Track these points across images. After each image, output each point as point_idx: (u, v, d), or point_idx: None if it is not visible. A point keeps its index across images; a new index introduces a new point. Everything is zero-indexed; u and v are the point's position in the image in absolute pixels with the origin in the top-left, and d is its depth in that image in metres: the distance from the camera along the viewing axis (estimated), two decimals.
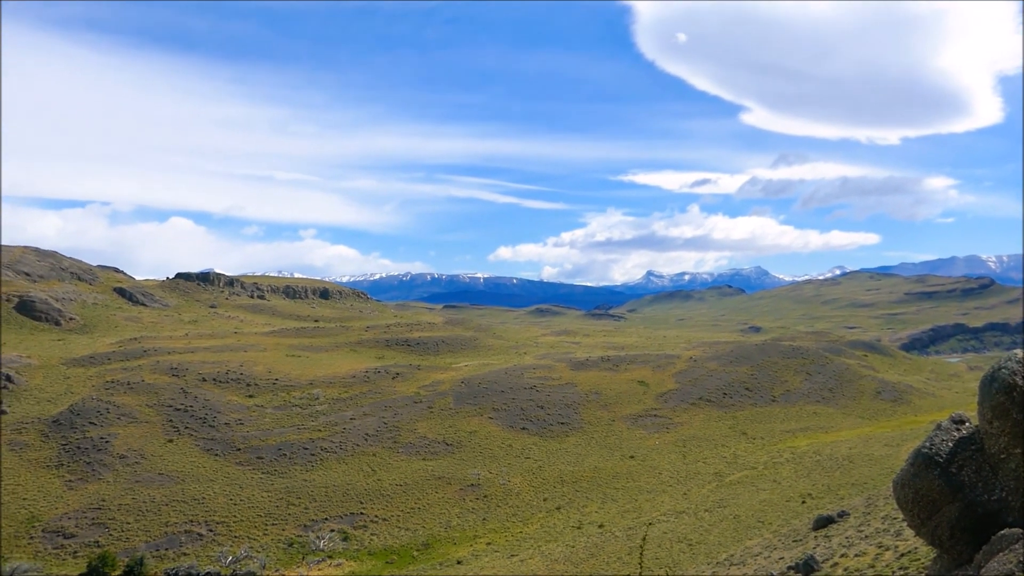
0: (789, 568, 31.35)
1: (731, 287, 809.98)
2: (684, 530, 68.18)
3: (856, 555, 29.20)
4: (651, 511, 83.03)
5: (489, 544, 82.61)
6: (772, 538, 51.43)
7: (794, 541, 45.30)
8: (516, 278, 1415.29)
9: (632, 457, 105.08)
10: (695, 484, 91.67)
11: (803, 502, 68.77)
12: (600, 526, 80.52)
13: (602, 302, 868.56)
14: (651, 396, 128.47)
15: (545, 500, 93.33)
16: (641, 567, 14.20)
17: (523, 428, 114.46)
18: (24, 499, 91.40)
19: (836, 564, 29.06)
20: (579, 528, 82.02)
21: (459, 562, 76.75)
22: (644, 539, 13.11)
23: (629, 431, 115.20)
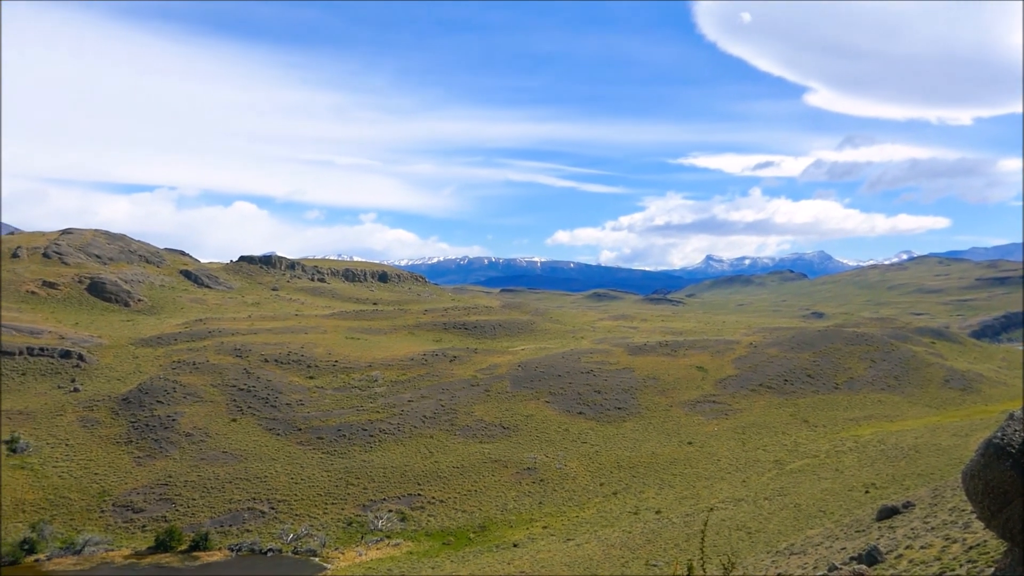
0: (851, 559, 30.64)
1: (793, 272, 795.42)
2: (743, 518, 67.31)
3: (922, 547, 28.34)
4: (709, 498, 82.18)
5: (545, 528, 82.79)
6: (834, 528, 50.41)
7: (857, 531, 44.31)
8: (573, 262, 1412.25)
9: (690, 443, 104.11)
10: (754, 472, 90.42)
11: (866, 492, 67.24)
12: (657, 512, 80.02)
13: (660, 287, 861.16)
14: (710, 382, 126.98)
15: (602, 485, 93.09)
16: (703, 553, 13.94)
17: (580, 412, 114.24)
18: (96, 474, 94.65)
19: (900, 556, 28.25)
20: (636, 514, 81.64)
21: (515, 545, 77.10)
22: (705, 524, 12.86)
23: (687, 417, 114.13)
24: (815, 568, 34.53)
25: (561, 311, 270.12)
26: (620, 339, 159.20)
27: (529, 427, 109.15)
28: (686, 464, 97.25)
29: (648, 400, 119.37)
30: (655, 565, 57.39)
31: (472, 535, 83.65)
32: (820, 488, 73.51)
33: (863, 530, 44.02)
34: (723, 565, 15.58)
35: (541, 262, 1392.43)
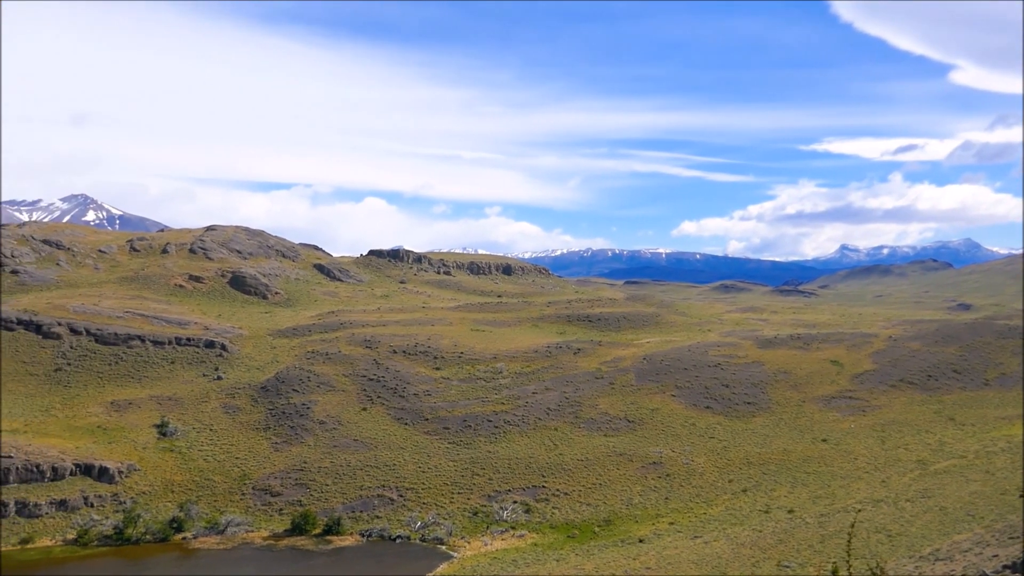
0: (1004, 567, 28.43)
1: (936, 261, 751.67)
2: (883, 520, 63.98)
3: None
4: (845, 498, 78.63)
5: (672, 524, 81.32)
6: (984, 533, 47.10)
7: (1010, 538, 41.29)
8: (700, 253, 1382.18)
9: (824, 440, 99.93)
10: (895, 472, 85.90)
11: (1021, 496, 62.57)
12: (790, 511, 77.20)
13: (791, 278, 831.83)
14: (845, 377, 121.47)
15: (730, 482, 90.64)
16: (849, 555, 13.01)
17: (707, 407, 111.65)
18: (237, 458, 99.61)
19: None
20: (767, 512, 79.05)
21: (641, 540, 76.08)
22: (853, 526, 11.91)
23: (821, 413, 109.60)
24: None
25: (687, 303, 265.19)
26: (749, 332, 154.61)
27: (655, 421, 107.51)
28: (820, 462, 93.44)
29: (779, 395, 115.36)
30: (788, 567, 55.25)
31: (597, 529, 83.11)
32: (968, 491, 69.03)
33: (1017, 536, 41.06)
34: (871, 569, 14.48)
35: (666, 253, 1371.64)
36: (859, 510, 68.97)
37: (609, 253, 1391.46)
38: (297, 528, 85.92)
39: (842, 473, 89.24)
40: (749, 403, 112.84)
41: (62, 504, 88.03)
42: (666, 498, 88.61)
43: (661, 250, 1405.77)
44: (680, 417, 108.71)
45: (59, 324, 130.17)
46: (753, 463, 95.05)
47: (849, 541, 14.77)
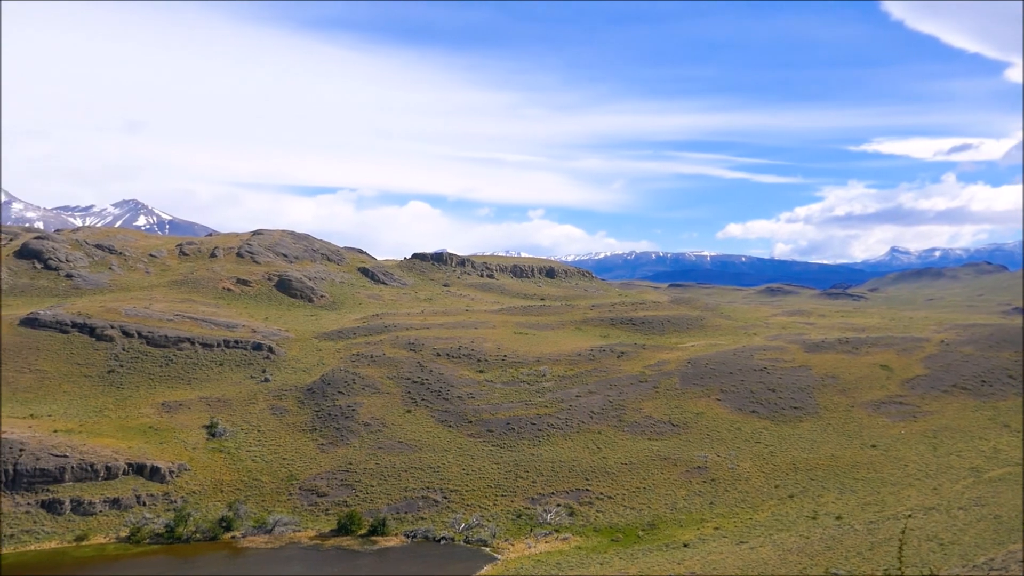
0: None
1: (990, 264, 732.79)
2: (934, 528, 62.66)
3: None
4: (895, 505, 77.22)
5: (717, 529, 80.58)
6: None
7: None
8: (745, 256, 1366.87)
9: (874, 446, 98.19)
10: (947, 479, 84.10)
11: None
12: (838, 518, 76.02)
13: (839, 281, 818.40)
14: (895, 382, 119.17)
15: (777, 487, 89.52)
16: (901, 563, 12.89)
17: (753, 411, 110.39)
18: (284, 459, 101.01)
19: None
20: (814, 519, 77.93)
21: (686, 545, 75.51)
22: (903, 532, 11.80)
23: (870, 418, 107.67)
24: None
25: (732, 306, 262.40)
26: (796, 335, 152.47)
27: (699, 425, 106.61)
28: (869, 468, 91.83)
29: (827, 399, 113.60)
30: (836, 574, 54.38)
31: (641, 533, 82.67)
32: None
33: None
34: None
35: (711, 256, 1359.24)
36: (909, 516, 67.71)
37: (653, 256, 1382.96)
38: (343, 528, 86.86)
39: (892, 480, 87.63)
40: (796, 408, 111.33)
41: (115, 503, 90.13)
42: (711, 503, 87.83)
43: (706, 253, 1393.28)
44: (725, 421, 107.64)
45: (112, 327, 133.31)
46: (800, 468, 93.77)
47: (900, 548, 14.63)
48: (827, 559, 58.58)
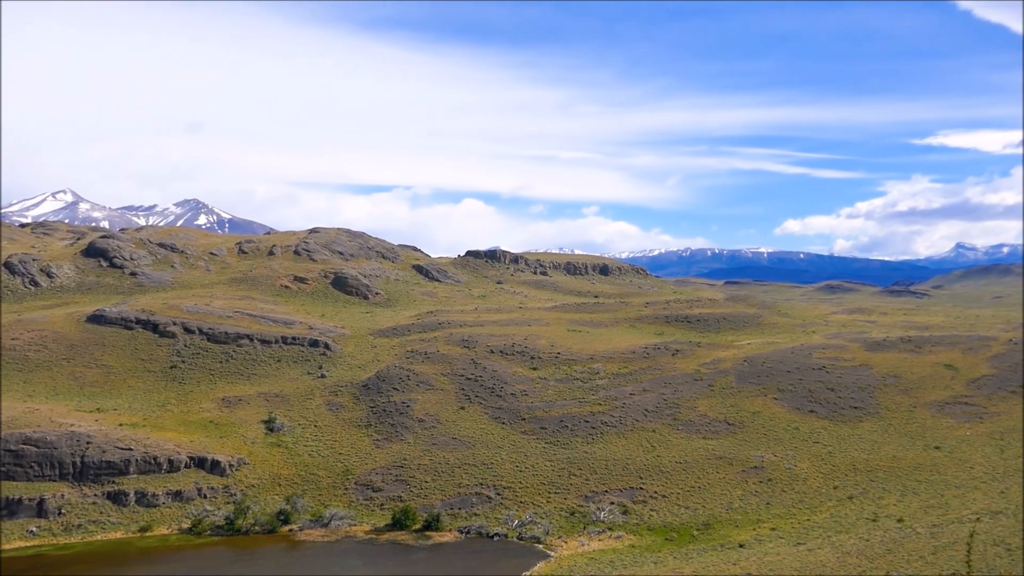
0: None
1: None
2: (1001, 533, 60.66)
3: None
4: (960, 508, 75.07)
5: (773, 530, 79.38)
6: None
7: None
8: (803, 252, 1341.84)
9: (937, 448, 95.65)
10: (1015, 482, 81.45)
11: None
12: (899, 520, 74.24)
13: (902, 278, 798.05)
14: (960, 382, 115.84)
15: (836, 488, 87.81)
16: (969, 567, 12.52)
17: (811, 411, 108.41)
18: (340, 454, 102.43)
19: None
20: (874, 521, 76.25)
21: (741, 545, 74.54)
22: (972, 536, 11.44)
23: (933, 419, 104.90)
24: None
25: (790, 304, 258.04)
26: (856, 334, 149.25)
27: (756, 424, 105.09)
28: (932, 470, 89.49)
29: (888, 399, 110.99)
30: None
31: (695, 532, 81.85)
32: None
33: None
34: None
35: (768, 253, 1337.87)
36: (977, 520, 65.75)
37: (708, 253, 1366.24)
38: (397, 523, 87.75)
39: (956, 482, 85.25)
40: (856, 407, 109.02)
41: (178, 495, 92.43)
42: (767, 503, 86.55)
43: (763, 249, 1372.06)
44: (782, 421, 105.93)
45: (174, 323, 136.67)
46: (860, 469, 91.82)
47: (969, 552, 14.21)
48: (888, 562, 57.20)
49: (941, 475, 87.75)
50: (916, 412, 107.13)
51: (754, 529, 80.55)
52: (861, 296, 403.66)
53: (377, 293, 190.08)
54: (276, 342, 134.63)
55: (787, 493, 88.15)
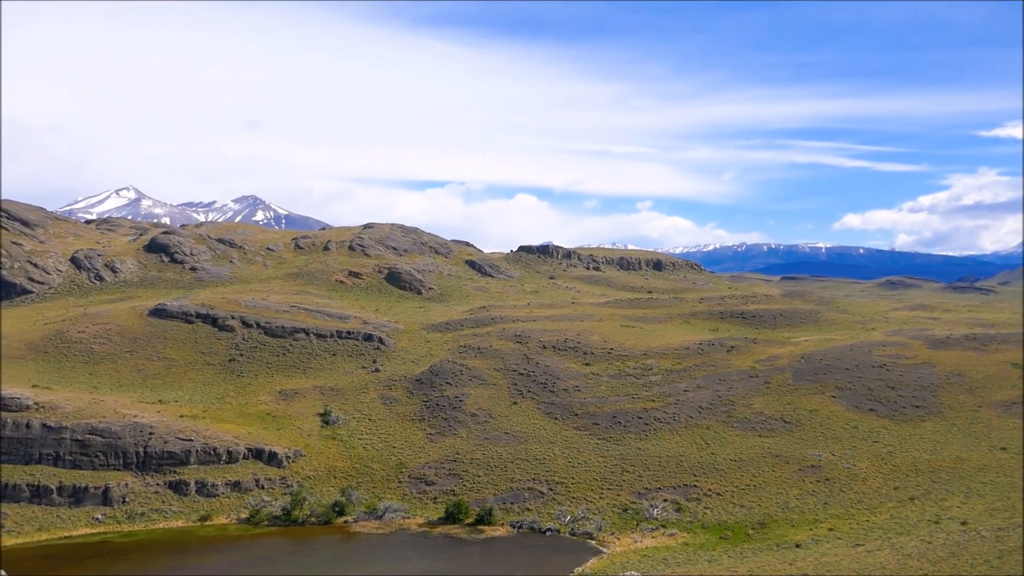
0: None
1: None
2: None
3: None
4: None
5: (831, 530, 77.95)
6: None
7: None
8: (863, 247, 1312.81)
9: (1003, 449, 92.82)
10: None
11: None
12: (963, 523, 72.26)
13: (966, 273, 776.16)
14: None
15: (896, 489, 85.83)
16: None
17: (870, 409, 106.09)
18: (394, 447, 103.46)
19: None
20: (937, 523, 74.34)
21: (798, 545, 73.35)
22: None
23: (1000, 420, 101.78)
24: None
25: (848, 300, 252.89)
26: (918, 331, 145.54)
27: (813, 422, 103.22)
28: (998, 472, 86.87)
29: (951, 399, 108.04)
30: None
31: (751, 531, 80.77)
32: None
33: None
34: None
35: (826, 248, 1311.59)
36: None
37: (764, 248, 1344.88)
38: (450, 517, 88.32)
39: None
40: (917, 406, 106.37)
41: (236, 485, 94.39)
42: (825, 503, 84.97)
43: (820, 244, 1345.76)
44: (841, 419, 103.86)
45: (233, 317, 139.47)
46: (922, 470, 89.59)
47: None
48: (951, 566, 55.71)
49: (1008, 477, 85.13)
50: (981, 412, 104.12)
51: (811, 529, 79.17)
52: (923, 292, 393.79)
53: (430, 288, 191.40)
54: (331, 336, 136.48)
55: (845, 493, 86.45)
